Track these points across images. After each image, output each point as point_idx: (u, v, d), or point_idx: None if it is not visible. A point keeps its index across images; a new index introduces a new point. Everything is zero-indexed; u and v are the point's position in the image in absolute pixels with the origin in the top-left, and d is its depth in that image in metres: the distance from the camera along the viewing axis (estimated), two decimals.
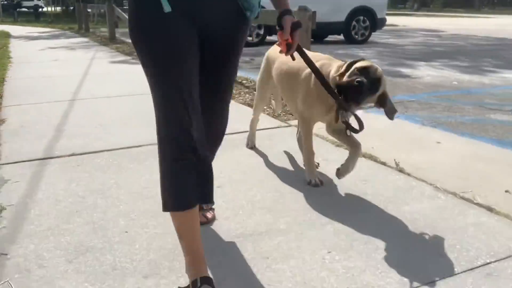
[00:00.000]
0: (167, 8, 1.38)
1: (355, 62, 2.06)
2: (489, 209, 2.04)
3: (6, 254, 1.69)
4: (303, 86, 2.30)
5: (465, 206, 2.09)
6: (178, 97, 1.40)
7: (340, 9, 10.40)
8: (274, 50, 2.64)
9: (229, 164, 2.61)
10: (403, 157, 2.67)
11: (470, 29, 16.55)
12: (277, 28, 1.58)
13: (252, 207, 2.08)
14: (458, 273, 1.58)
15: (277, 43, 1.82)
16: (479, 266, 1.62)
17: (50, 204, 2.11)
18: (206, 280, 1.42)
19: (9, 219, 1.97)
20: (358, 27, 10.67)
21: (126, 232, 1.86)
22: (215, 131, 1.68)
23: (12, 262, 1.65)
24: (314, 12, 3.91)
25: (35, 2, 40.03)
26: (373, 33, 11.29)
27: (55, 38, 12.28)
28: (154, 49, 1.41)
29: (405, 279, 1.55)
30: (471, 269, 1.60)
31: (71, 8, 29.12)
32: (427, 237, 1.83)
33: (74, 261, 1.65)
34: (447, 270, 1.60)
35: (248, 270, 1.61)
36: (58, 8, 36.87)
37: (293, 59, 1.74)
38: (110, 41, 10.58)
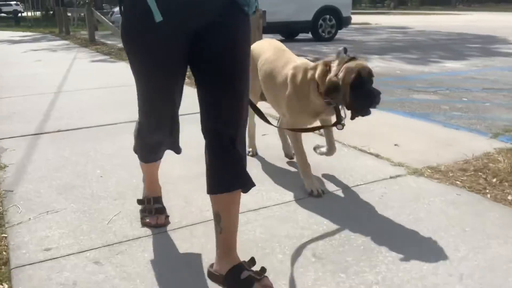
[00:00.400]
0: (158, 17, 1.36)
1: (348, 60, 1.99)
2: (376, 155, 2.73)
3: (12, 191, 2.31)
4: (285, 88, 2.18)
5: (359, 154, 2.77)
6: (157, 115, 1.66)
7: (307, 8, 11.13)
8: (259, 45, 2.54)
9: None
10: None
11: (438, 25, 17.44)
12: None
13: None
14: (337, 190, 2.26)
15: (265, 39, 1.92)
16: (356, 186, 2.30)
17: (42, 162, 2.72)
18: (158, 199, 2.01)
19: (11, 172, 2.58)
20: (325, 25, 11.39)
21: (101, 176, 2.49)
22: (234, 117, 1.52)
23: (17, 195, 2.27)
24: (264, 11, 4.59)
25: (14, 7, 40.18)
26: (341, 31, 12.05)
27: (37, 41, 12.76)
28: (141, 60, 1.50)
29: (297, 195, 2.21)
30: (351, 187, 2.28)
31: (51, 12, 29.40)
32: (324, 172, 2.50)
33: (63, 193, 2.28)
34: (332, 187, 2.27)
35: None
36: (38, 13, 36.99)
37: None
38: (90, 43, 11.12)
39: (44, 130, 3.43)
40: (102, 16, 11.31)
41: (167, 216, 1.96)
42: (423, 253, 1.69)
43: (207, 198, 1.59)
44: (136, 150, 1.93)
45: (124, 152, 2.84)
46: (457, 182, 2.31)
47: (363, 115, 2.05)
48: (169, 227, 1.92)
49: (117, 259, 1.69)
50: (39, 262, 1.68)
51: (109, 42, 11.33)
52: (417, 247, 1.74)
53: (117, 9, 17.21)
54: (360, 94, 1.97)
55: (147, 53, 1.47)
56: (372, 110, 2.06)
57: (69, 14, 16.78)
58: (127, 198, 2.21)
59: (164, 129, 1.71)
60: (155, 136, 1.74)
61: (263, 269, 1.52)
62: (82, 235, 1.87)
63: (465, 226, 1.89)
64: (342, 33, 12.82)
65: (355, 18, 23.43)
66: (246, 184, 1.54)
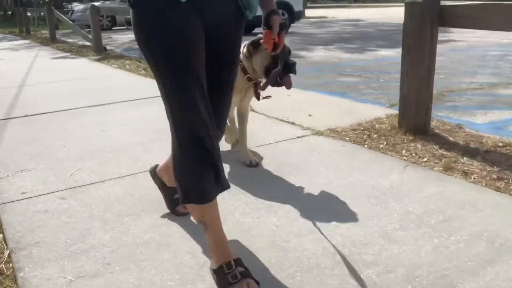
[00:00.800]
0: None
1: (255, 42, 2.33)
2: (292, 123, 3.38)
3: None
4: None
5: (279, 123, 3.42)
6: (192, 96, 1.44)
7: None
8: None
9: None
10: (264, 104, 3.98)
11: (391, 17, 18.39)
12: (263, 27, 1.60)
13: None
14: (256, 147, 2.89)
15: (261, 40, 2.03)
16: (269, 144, 2.94)
17: (13, 138, 3.25)
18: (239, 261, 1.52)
19: None
20: None
21: (64, 146, 3.04)
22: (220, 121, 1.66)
23: None
24: None
25: None
26: (296, 25, 12.76)
27: None
28: (169, 42, 1.42)
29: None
30: (266, 144, 2.92)
31: (9, 12, 28.97)
32: (249, 136, 3.13)
33: (34, 159, 2.82)
34: (252, 145, 2.90)
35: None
36: None
37: (278, 57, 1.86)
38: (51, 41, 11.41)
39: (12, 115, 3.93)
40: (62, 15, 11.61)
41: (258, 283, 1.50)
42: (305, 180, 2.35)
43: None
44: (186, 188, 1.52)
45: (83, 129, 3.39)
46: (346, 138, 2.99)
47: (276, 85, 2.32)
48: (118, 175, 2.51)
49: (78, 196, 2.27)
50: (18, 200, 2.24)
51: (70, 40, 11.66)
52: (304, 176, 2.39)
53: (77, 7, 17.41)
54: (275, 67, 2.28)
55: (177, 31, 1.42)
56: (299, 90, 2.60)
57: (29, 14, 16.85)
58: (86, 159, 2.77)
59: (204, 113, 1.47)
60: (200, 127, 1.46)
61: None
62: (50, 183, 2.43)
63: (339, 164, 2.56)
64: (297, 27, 13.55)
65: (314, 12, 24.19)
66: (226, 186, 1.56)
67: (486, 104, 3.82)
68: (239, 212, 2.04)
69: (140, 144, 3.00)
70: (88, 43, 9.40)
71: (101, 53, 8.31)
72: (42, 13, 16.48)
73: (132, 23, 1.49)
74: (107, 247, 1.79)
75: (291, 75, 2.35)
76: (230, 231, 1.79)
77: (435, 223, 1.86)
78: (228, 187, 1.56)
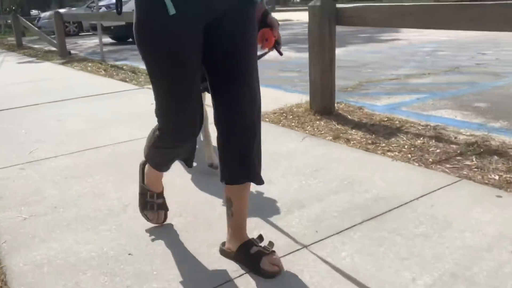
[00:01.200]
0: (171, 10, 1.37)
1: None
2: None
3: None
4: None
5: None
6: (184, 107, 1.49)
7: None
8: None
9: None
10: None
11: None
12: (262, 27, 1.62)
13: None
14: None
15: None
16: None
17: None
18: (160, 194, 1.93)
19: None
20: None
21: (26, 133, 3.54)
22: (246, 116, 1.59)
23: None
24: None
25: None
26: None
27: None
28: (159, 54, 1.43)
29: None
30: None
31: None
32: None
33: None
34: None
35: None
36: None
37: (281, 54, 1.80)
38: (17, 47, 11.73)
39: None
40: (28, 22, 11.94)
41: (167, 211, 1.96)
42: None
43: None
44: (150, 157, 1.81)
45: (42, 120, 3.88)
46: (266, 119, 3.58)
47: None
48: (69, 152, 3.02)
49: (35, 167, 2.78)
50: None
51: (36, 46, 12.00)
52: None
53: (43, 14, 17.66)
54: None
55: (168, 44, 1.42)
56: None
57: None
58: (43, 142, 3.28)
59: (193, 128, 1.57)
60: (180, 141, 1.62)
61: (270, 244, 1.66)
62: (12, 160, 2.94)
63: None
64: None
65: (282, 15, 24.81)
66: (258, 178, 1.64)
67: (394, 91, 4.48)
68: None
69: (91, 130, 3.52)
70: (54, 48, 9.79)
71: (66, 57, 8.74)
72: (9, 21, 16.67)
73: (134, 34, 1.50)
74: (55, 197, 2.32)
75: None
76: None
77: (308, 172, 2.46)
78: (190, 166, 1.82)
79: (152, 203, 1.93)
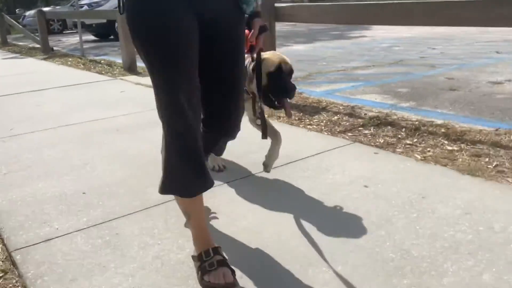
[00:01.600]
0: None
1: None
2: None
3: None
4: None
5: None
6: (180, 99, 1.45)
7: None
8: None
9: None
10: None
11: None
12: (247, 29, 1.60)
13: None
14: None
15: None
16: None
17: None
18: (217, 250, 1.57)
19: None
20: None
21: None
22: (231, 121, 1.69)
23: None
24: None
25: None
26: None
27: None
28: (162, 43, 1.43)
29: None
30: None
31: None
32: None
33: None
34: None
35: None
36: None
37: (253, 60, 1.80)
38: (2, 45, 12.16)
39: None
40: (13, 20, 12.37)
41: (234, 272, 1.55)
42: None
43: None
44: (170, 181, 1.58)
45: (22, 105, 4.42)
46: None
47: (273, 107, 2.14)
48: (44, 128, 3.56)
49: (14, 140, 3.32)
50: None
51: (21, 43, 12.43)
52: None
53: (28, 13, 18.02)
54: (275, 85, 2.04)
55: (168, 33, 1.42)
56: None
57: None
58: (22, 122, 3.82)
59: (197, 115, 1.53)
60: (191, 130, 1.50)
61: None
62: None
63: None
64: None
65: None
66: (209, 184, 1.59)
67: (336, 80, 5.07)
68: None
69: (65, 113, 4.06)
70: (37, 45, 10.26)
71: (48, 53, 9.22)
72: None
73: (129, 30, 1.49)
74: (30, 159, 2.87)
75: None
76: None
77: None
78: (211, 185, 1.58)
79: (211, 263, 1.53)
